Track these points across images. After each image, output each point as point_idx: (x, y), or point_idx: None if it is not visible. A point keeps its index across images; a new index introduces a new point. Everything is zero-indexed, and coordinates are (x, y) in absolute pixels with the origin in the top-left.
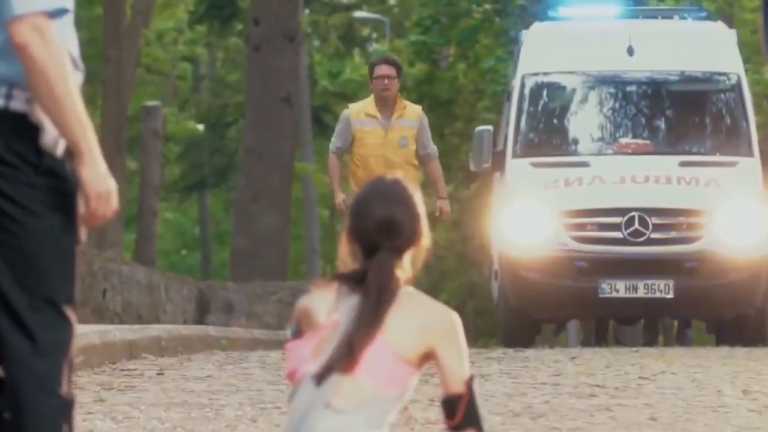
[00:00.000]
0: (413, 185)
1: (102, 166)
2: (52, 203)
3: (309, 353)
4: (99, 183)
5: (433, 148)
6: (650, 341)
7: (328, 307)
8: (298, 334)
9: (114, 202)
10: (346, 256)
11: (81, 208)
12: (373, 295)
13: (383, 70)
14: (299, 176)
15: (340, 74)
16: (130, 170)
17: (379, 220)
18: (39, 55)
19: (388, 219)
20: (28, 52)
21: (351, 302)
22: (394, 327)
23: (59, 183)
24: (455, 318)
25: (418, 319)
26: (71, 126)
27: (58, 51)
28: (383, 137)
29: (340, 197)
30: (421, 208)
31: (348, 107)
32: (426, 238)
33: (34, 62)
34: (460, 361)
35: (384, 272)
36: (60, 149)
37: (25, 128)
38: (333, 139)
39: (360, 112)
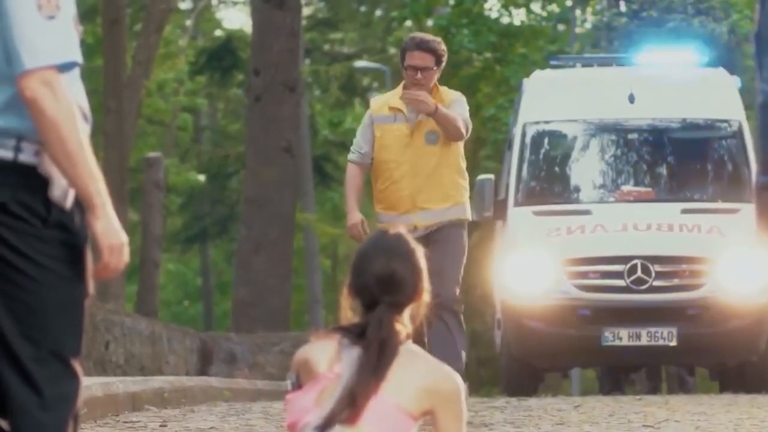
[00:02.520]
0: (455, 198)
1: (114, 219)
2: (61, 256)
3: (310, 404)
4: (112, 236)
5: (463, 115)
6: (653, 389)
7: (328, 358)
8: (297, 385)
9: (126, 255)
10: (346, 311)
11: (90, 261)
12: (375, 349)
13: (416, 58)
14: (301, 226)
15: (341, 124)
16: (132, 221)
17: (378, 275)
18: (50, 109)
19: (388, 275)
20: (39, 107)
21: (353, 354)
22: (397, 382)
23: (68, 236)
24: (459, 383)
25: (421, 379)
26: (84, 179)
27: (69, 104)
28: (408, 137)
29: (354, 218)
30: (423, 263)
31: (371, 101)
32: (427, 293)
33: (45, 116)
34: (458, 427)
35: (384, 327)
36: (69, 202)
37: (33, 181)
38: (352, 146)
39: (383, 105)
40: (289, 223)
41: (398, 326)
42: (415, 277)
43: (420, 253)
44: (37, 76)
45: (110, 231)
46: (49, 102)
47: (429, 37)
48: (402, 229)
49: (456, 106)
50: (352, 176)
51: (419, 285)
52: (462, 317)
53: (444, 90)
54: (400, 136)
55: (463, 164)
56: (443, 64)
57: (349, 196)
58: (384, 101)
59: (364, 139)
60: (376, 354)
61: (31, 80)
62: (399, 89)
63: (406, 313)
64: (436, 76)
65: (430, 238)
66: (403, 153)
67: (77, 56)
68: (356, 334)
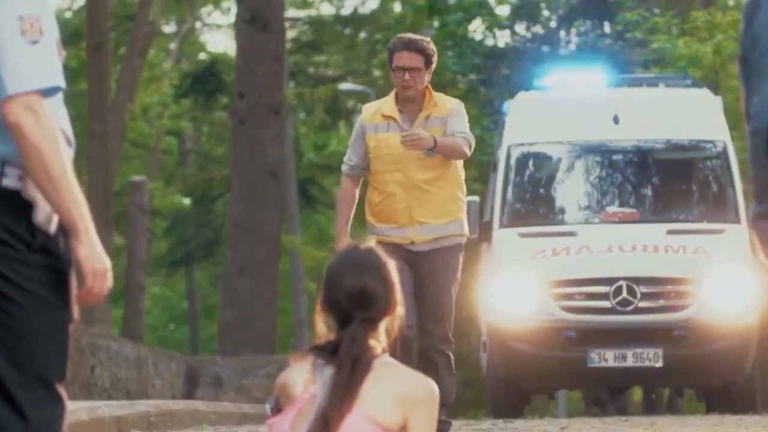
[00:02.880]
0: (454, 214)
1: (98, 244)
2: (45, 281)
3: (287, 427)
4: (95, 261)
5: (465, 132)
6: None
7: (304, 380)
8: (277, 409)
9: (109, 280)
10: (321, 327)
11: (75, 285)
12: (347, 367)
13: (404, 58)
14: (286, 249)
15: (325, 147)
16: (117, 245)
17: (350, 291)
18: (33, 134)
19: (359, 290)
20: (22, 132)
21: (326, 374)
22: (372, 397)
23: (52, 260)
24: (434, 388)
25: (395, 389)
26: (67, 204)
27: (52, 130)
28: (403, 147)
29: (342, 244)
30: (395, 277)
31: (362, 108)
32: (401, 307)
33: (28, 142)
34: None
35: (357, 343)
36: (53, 226)
37: (17, 205)
38: (345, 156)
39: (375, 113)
40: (274, 246)
41: (372, 342)
42: (388, 292)
43: (392, 266)
44: (21, 101)
45: (94, 256)
46: (32, 127)
47: (417, 36)
48: (393, 242)
49: (455, 118)
50: (345, 192)
51: (392, 299)
52: (452, 357)
53: (439, 97)
54: (395, 146)
55: (462, 176)
56: (433, 65)
57: (339, 218)
58: (376, 109)
59: (354, 150)
60: (348, 371)
61: (15, 105)
62: (392, 96)
63: (381, 328)
64: (427, 78)
65: (425, 259)
66: (399, 164)
67: (60, 81)
68: (330, 351)
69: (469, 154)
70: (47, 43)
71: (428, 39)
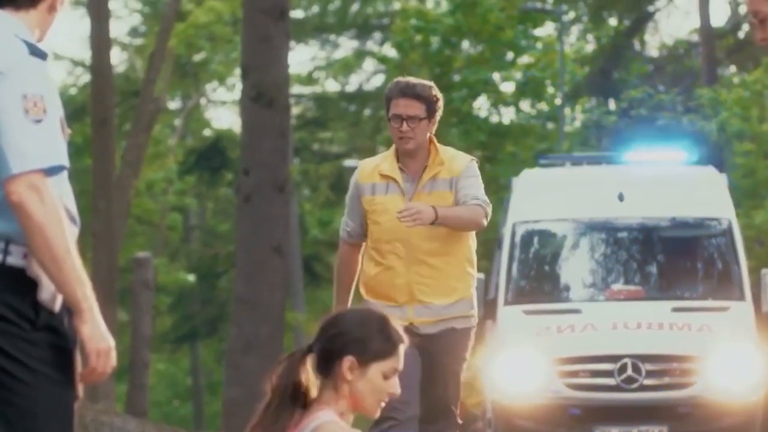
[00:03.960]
0: (461, 292)
1: (101, 323)
2: (50, 359)
3: None
4: (99, 340)
5: (479, 197)
6: None
7: None
8: None
9: (113, 359)
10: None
11: (79, 364)
12: (274, 396)
13: (401, 106)
14: (291, 326)
15: (330, 223)
16: (121, 322)
17: (324, 319)
18: (36, 213)
19: (329, 318)
20: (25, 211)
21: None
22: None
23: (57, 338)
24: None
25: None
26: (70, 284)
27: (55, 209)
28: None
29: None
30: (394, 337)
31: (358, 165)
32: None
33: (32, 221)
34: None
35: (287, 370)
36: (57, 305)
37: (22, 284)
38: (342, 220)
39: (372, 172)
40: (279, 322)
41: (305, 376)
42: (351, 336)
43: (399, 333)
44: (24, 181)
45: (97, 335)
46: (36, 206)
47: (417, 80)
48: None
49: (467, 180)
50: (344, 260)
51: (363, 348)
52: None
53: (447, 153)
54: (394, 210)
55: (474, 247)
56: (438, 113)
57: (336, 288)
58: (373, 167)
59: (350, 214)
60: (275, 401)
61: (18, 185)
62: (392, 152)
63: (337, 372)
64: (430, 129)
65: (433, 343)
66: (399, 233)
67: (64, 160)
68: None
69: (484, 224)
70: (51, 121)
71: (431, 84)
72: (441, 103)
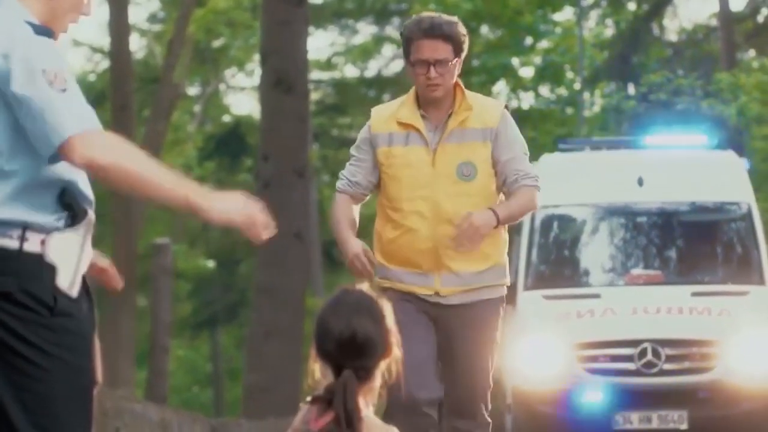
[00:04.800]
0: (494, 258)
1: (222, 200)
2: (68, 344)
3: None
4: (230, 212)
5: (524, 174)
6: None
7: None
8: None
9: (258, 216)
10: (316, 374)
11: (97, 349)
12: (343, 422)
13: (426, 49)
14: (311, 311)
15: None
16: (141, 307)
17: (339, 339)
18: (107, 162)
19: (348, 338)
20: (97, 166)
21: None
22: None
23: (75, 324)
24: None
25: None
26: (173, 196)
27: (117, 147)
28: (429, 166)
29: (353, 247)
30: (390, 320)
31: (372, 112)
32: (398, 347)
33: (108, 171)
34: None
35: (349, 396)
36: (75, 290)
37: (39, 270)
38: (343, 171)
39: (389, 119)
40: (299, 308)
41: (360, 400)
42: (381, 335)
43: (386, 308)
44: (80, 139)
45: (227, 210)
46: (102, 158)
47: (441, 17)
48: (411, 292)
49: (507, 141)
50: (341, 206)
51: (387, 343)
52: None
53: (475, 97)
54: (416, 164)
55: None
56: (464, 52)
57: (339, 226)
58: (390, 114)
59: (358, 165)
60: (344, 427)
61: (73, 151)
62: (411, 96)
63: (377, 374)
64: (457, 71)
65: (455, 315)
66: (423, 189)
67: (98, 123)
68: (327, 401)
69: (539, 189)
70: (74, 89)
71: (455, 19)
72: (467, 42)
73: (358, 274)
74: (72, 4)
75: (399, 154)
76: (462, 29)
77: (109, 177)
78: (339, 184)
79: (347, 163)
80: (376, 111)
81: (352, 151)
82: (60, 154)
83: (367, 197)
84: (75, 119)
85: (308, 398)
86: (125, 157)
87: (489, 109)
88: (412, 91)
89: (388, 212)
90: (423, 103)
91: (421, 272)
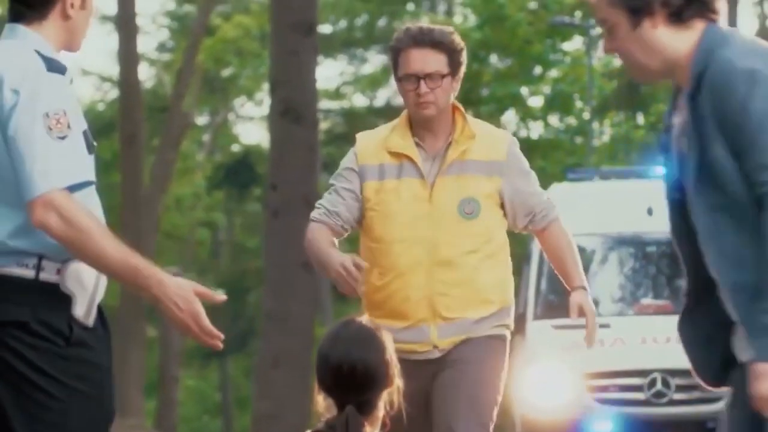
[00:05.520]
0: (499, 302)
1: (169, 280)
2: (85, 375)
3: None
4: (171, 296)
5: (546, 206)
6: None
7: None
8: None
9: (193, 303)
10: (320, 406)
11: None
12: None
13: (415, 60)
14: (319, 341)
15: (358, 239)
16: (150, 337)
17: (338, 374)
18: (57, 231)
19: (348, 373)
20: (49, 231)
21: None
22: None
23: (91, 354)
24: None
25: None
26: (121, 275)
27: (78, 220)
28: (425, 202)
29: (336, 259)
30: (391, 351)
31: (357, 138)
32: (399, 378)
33: (58, 238)
34: None
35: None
36: (92, 320)
37: (55, 299)
38: (320, 201)
39: (378, 148)
40: (308, 337)
41: (368, 426)
42: (383, 368)
43: (387, 339)
44: (41, 202)
45: (167, 294)
46: (55, 225)
47: (434, 26)
48: (402, 352)
49: (521, 175)
50: (316, 231)
51: (389, 374)
52: None
53: (477, 123)
54: (410, 199)
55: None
56: (462, 68)
57: (316, 244)
58: (378, 142)
59: (341, 196)
60: None
61: (36, 206)
62: (402, 121)
63: (380, 404)
64: (455, 88)
65: (451, 352)
66: (417, 228)
67: (90, 175)
68: None
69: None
70: (75, 137)
71: (450, 28)
72: (465, 55)
73: (348, 288)
74: (86, 19)
75: (390, 189)
76: (458, 40)
77: (61, 244)
78: (314, 213)
79: (325, 193)
80: (363, 139)
81: (333, 180)
82: (26, 204)
83: (344, 235)
84: (58, 174)
85: None
86: (80, 235)
87: (495, 140)
88: (403, 114)
89: (374, 255)
90: (416, 127)
91: (411, 325)
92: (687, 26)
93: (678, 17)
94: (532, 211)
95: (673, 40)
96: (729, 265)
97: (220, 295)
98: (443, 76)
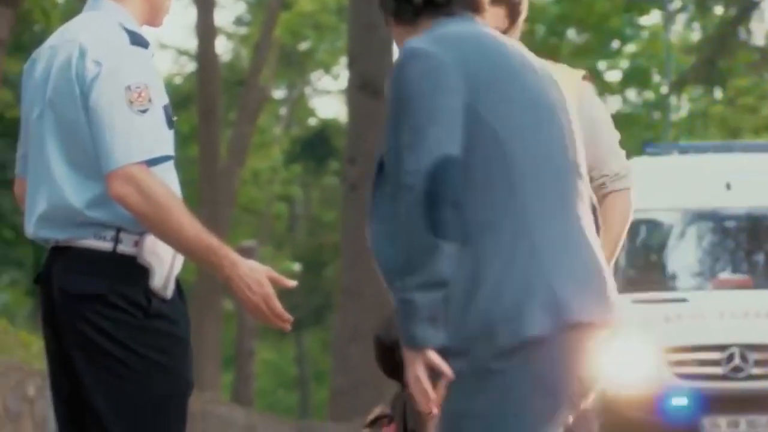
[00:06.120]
0: None
1: (244, 263)
2: (163, 347)
3: None
4: (243, 279)
5: (620, 167)
6: None
7: None
8: None
9: (266, 286)
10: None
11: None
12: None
13: None
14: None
15: None
16: (227, 311)
17: (392, 359)
18: (135, 206)
19: (401, 358)
20: (126, 205)
21: None
22: None
23: (170, 326)
24: None
25: None
26: (196, 255)
27: (156, 195)
28: None
29: None
30: None
31: None
32: None
33: (135, 213)
34: None
35: (408, 411)
36: (170, 291)
37: (133, 271)
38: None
39: None
40: (385, 312)
41: None
42: None
43: None
44: (120, 175)
45: (241, 276)
46: (133, 199)
47: None
48: None
49: (591, 116)
50: None
51: None
52: None
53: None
54: None
55: None
56: (521, 17)
57: None
58: None
59: None
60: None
61: (114, 180)
62: None
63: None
64: (514, 38)
65: None
66: None
67: (169, 149)
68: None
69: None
70: (156, 110)
71: None
72: (525, 4)
73: None
74: None
75: None
76: None
77: (137, 219)
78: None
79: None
80: None
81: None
82: (105, 177)
83: None
84: (138, 148)
85: (370, 417)
86: (158, 210)
87: (568, 76)
88: None
89: None
90: None
91: None
92: None
93: None
94: (591, 175)
95: None
96: None
97: (292, 282)
98: (503, 32)
